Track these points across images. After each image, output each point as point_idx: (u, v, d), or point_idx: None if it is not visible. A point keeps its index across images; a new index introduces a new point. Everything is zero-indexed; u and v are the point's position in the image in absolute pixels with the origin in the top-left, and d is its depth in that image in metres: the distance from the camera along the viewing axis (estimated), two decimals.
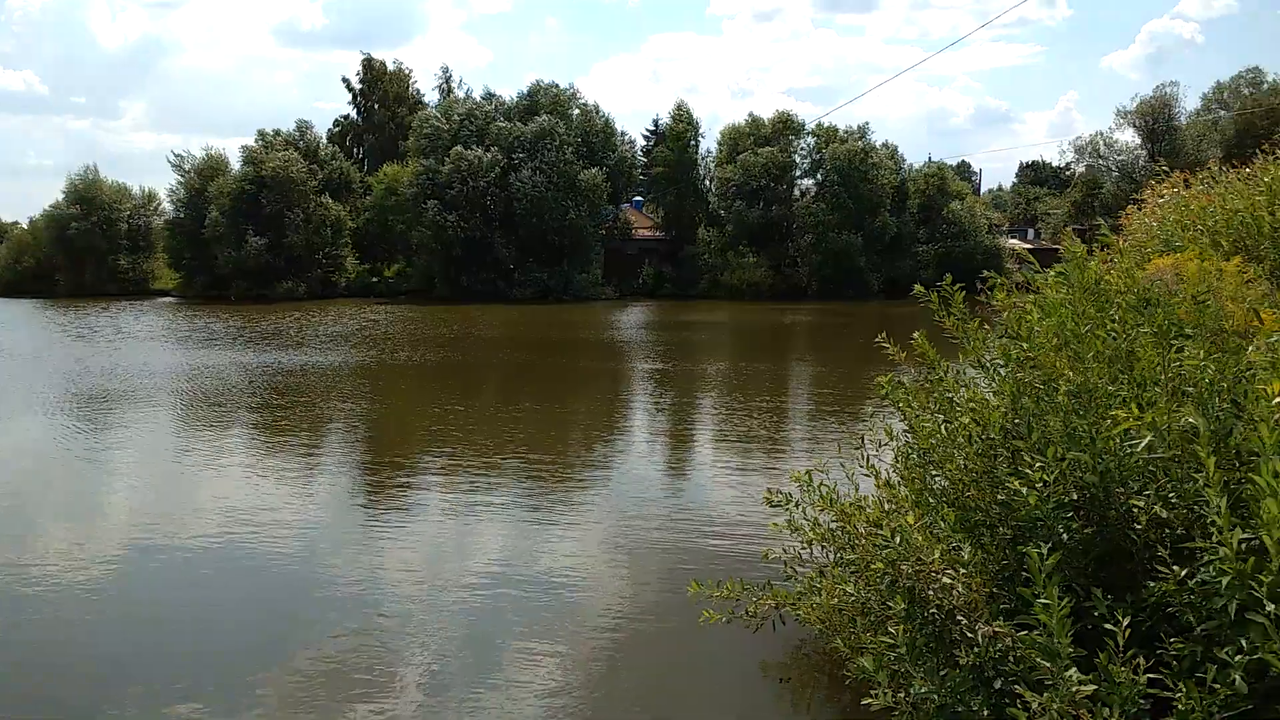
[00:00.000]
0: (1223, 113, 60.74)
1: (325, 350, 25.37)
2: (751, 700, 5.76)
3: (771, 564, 5.88)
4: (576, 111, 52.25)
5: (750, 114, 56.06)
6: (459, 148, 48.24)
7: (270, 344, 27.25)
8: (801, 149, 53.96)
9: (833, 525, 5.29)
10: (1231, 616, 2.99)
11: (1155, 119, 60.84)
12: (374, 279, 53.39)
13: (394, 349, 25.81)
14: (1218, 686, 2.85)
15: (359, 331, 31.10)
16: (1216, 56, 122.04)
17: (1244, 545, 3.06)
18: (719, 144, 55.11)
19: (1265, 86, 59.72)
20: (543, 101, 51.77)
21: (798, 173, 53.82)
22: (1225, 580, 3.06)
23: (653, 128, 66.64)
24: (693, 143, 54.10)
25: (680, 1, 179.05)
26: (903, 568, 3.93)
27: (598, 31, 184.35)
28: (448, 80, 65.07)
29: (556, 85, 53.18)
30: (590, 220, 50.04)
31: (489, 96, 54.23)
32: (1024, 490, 3.79)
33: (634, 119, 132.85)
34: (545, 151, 48.54)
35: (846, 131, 53.06)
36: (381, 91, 64.96)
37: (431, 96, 64.38)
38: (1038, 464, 3.87)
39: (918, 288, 5.73)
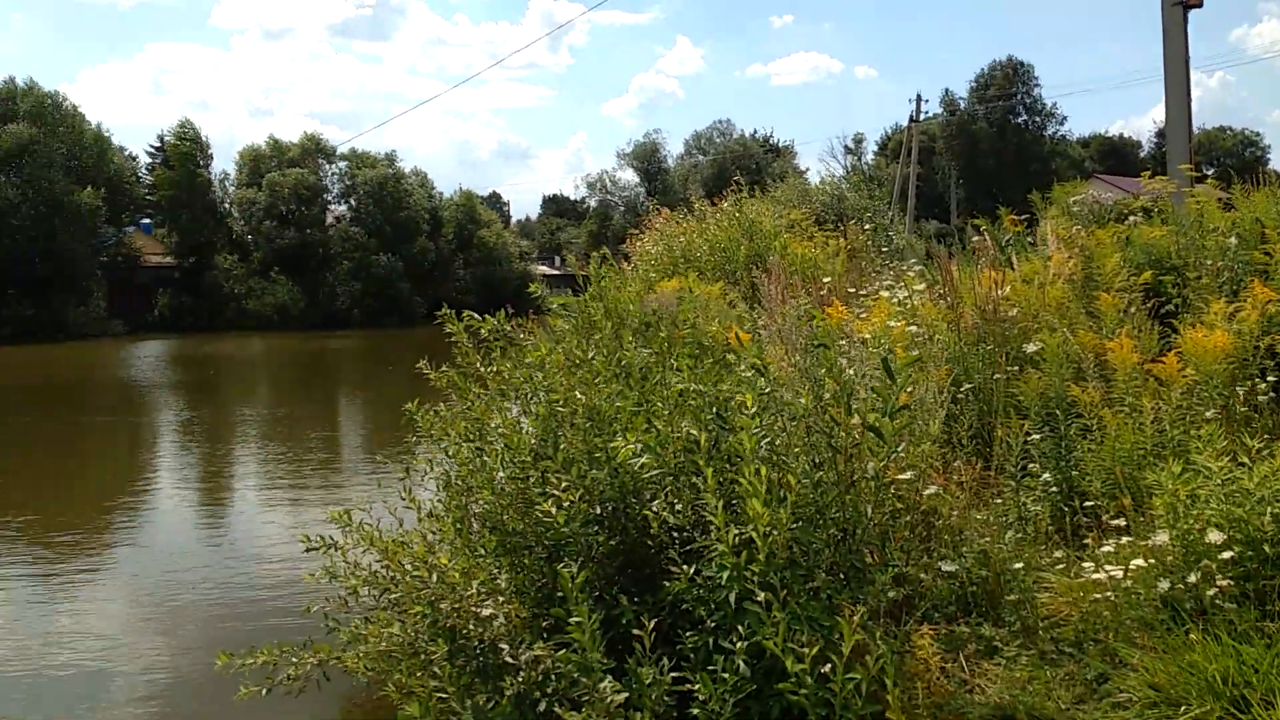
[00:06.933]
0: (701, 157, 71.14)
1: None
2: None
3: (316, 617, 5.49)
4: (62, 122, 44.83)
5: (271, 135, 53.10)
6: None
7: None
8: (333, 173, 52.42)
9: (376, 566, 5.05)
10: (733, 606, 3.34)
11: (648, 161, 69.60)
12: None
13: None
14: (727, 675, 3.16)
15: None
16: (694, 108, 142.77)
17: (738, 540, 3.43)
18: (238, 165, 51.40)
19: (734, 137, 71.17)
20: (21, 106, 43.67)
21: (329, 197, 52.12)
22: (725, 574, 3.41)
23: (158, 144, 59.73)
24: (201, 162, 49.57)
25: (179, 10, 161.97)
26: (442, 606, 3.84)
27: (83, 36, 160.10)
28: None
29: (37, 86, 45.20)
30: (86, 245, 43.45)
31: None
32: (553, 510, 3.91)
33: (134, 133, 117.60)
34: (24, 166, 41.12)
35: (376, 157, 52.57)
36: None
37: None
38: (563, 483, 4.03)
39: (439, 314, 5.60)
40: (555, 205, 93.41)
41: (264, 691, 4.95)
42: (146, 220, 52.84)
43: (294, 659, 5.01)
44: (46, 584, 8.40)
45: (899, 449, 3.99)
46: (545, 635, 3.88)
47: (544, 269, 59.42)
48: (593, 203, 73.90)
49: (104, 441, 16.81)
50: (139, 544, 9.90)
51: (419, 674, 4.33)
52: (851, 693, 3.05)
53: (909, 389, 4.39)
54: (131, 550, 9.59)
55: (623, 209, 68.50)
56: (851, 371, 4.54)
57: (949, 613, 3.86)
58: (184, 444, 16.65)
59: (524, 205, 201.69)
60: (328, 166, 52.33)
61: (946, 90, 70.78)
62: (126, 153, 51.40)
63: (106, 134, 47.91)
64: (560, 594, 3.52)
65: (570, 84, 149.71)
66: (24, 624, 7.36)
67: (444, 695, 3.75)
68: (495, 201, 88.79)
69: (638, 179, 71.07)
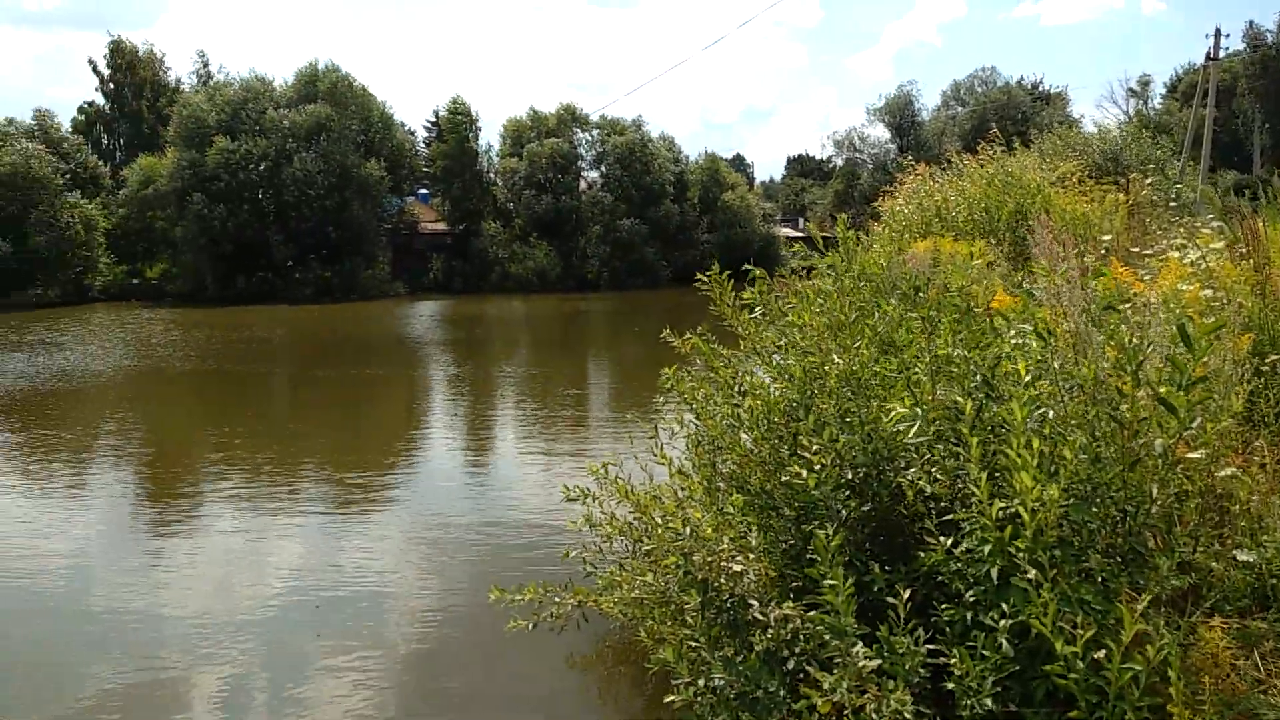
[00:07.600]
0: (959, 109, 66.88)
1: (89, 359, 22.86)
2: (561, 698, 5.73)
3: (573, 562, 5.84)
4: (353, 101, 49.63)
5: (531, 107, 55.95)
6: (224, 137, 44.90)
7: (25, 354, 24.18)
8: (585, 141, 54.47)
9: (630, 517, 5.29)
10: (994, 582, 3.20)
11: (900, 115, 66.23)
12: (135, 280, 48.80)
13: (166, 357, 23.65)
14: (988, 653, 3.03)
15: (124, 338, 28.27)
16: (952, 57, 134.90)
17: (1001, 514, 3.27)
18: (502, 136, 54.76)
19: (998, 85, 66.34)
20: (320, 87, 48.91)
21: (582, 164, 54.26)
22: (987, 548, 3.26)
23: (434, 119, 64.75)
24: (471, 135, 53.15)
25: None
26: (694, 559, 3.96)
27: (367, 14, 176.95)
28: (205, 65, 60.34)
29: (337, 68, 50.35)
30: (373, 214, 48.10)
31: (258, 79, 50.48)
32: (804, 473, 3.91)
33: (414, 108, 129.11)
34: (321, 141, 46.09)
35: (624, 123, 54.03)
36: (135, 77, 59.31)
37: (190, 82, 59.45)
38: (814, 446, 4.00)
39: (700, 276, 5.80)
40: (800, 165, 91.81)
41: (530, 627, 5.39)
42: (424, 190, 57.55)
43: (556, 599, 5.39)
44: (336, 520, 9.49)
45: (1192, 425, 3.62)
46: (793, 595, 3.91)
47: (787, 231, 58.74)
48: (839, 161, 71.78)
49: (386, 393, 18.67)
50: (414, 487, 10.94)
51: (670, 622, 4.51)
52: (1129, 683, 2.84)
53: (1204, 359, 3.97)
54: (408, 493, 10.61)
55: (871, 167, 66.01)
56: (1137, 339, 4.16)
57: (1243, 606, 3.48)
58: (452, 397, 18.14)
59: (768, 166, 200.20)
60: (580, 134, 54.43)
61: (1250, 23, 62.31)
62: (406, 128, 56.02)
63: (390, 111, 52.55)
64: (810, 555, 3.53)
65: (819, 38, 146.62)
66: (316, 554, 8.37)
67: (694, 644, 3.88)
68: (739, 163, 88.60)
69: (888, 135, 68.11)
